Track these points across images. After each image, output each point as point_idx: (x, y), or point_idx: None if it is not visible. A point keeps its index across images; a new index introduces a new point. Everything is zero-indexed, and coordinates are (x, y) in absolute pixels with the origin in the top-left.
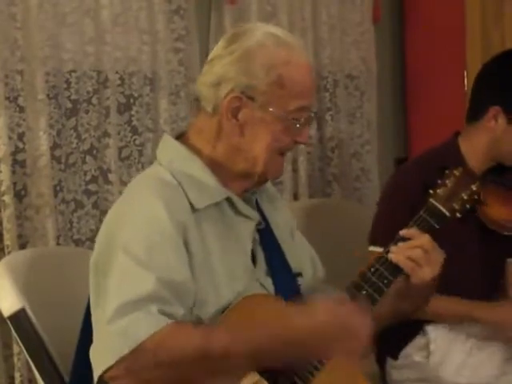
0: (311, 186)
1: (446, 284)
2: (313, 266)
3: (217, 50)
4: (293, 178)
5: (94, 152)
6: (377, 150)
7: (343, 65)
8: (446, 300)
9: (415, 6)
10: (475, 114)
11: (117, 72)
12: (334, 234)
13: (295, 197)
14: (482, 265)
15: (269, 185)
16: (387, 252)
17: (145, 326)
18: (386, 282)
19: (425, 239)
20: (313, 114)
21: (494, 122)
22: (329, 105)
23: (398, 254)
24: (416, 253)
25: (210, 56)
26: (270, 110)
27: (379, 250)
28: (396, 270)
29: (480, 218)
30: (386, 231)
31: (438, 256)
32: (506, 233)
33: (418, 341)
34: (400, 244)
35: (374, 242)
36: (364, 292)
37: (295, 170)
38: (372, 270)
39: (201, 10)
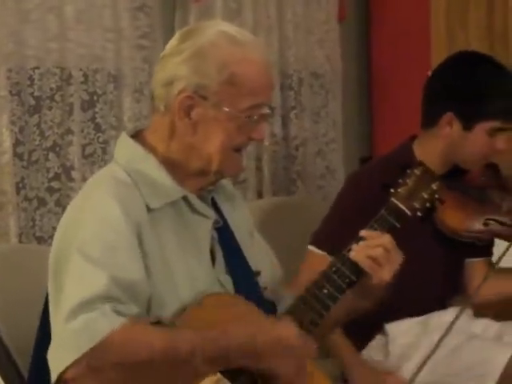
0: (275, 185)
1: (406, 286)
2: (271, 266)
3: (169, 47)
4: (257, 176)
5: (57, 149)
6: (342, 149)
7: (308, 63)
8: None
9: (381, 5)
10: (429, 120)
11: (80, 69)
12: (298, 232)
13: (259, 195)
14: (442, 266)
15: (227, 184)
16: (348, 251)
17: (101, 324)
18: (347, 280)
19: (386, 239)
20: (269, 110)
21: (448, 128)
22: (293, 103)
23: (358, 252)
24: (377, 252)
25: (163, 54)
26: (223, 108)
27: (319, 252)
28: (357, 268)
29: (437, 224)
30: (331, 234)
31: (398, 256)
32: (461, 240)
33: (378, 340)
34: (361, 243)
35: (315, 243)
36: (325, 291)
37: (259, 169)
38: (333, 268)
39: (165, 7)
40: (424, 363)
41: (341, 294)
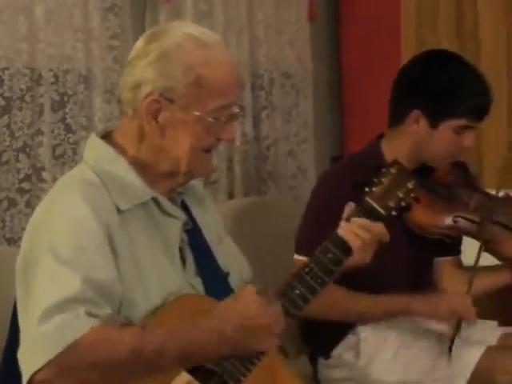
0: (246, 185)
1: (374, 285)
2: (239, 267)
3: (135, 50)
4: (228, 177)
5: (28, 150)
6: (313, 149)
7: (279, 63)
8: (376, 297)
9: (351, 5)
10: (397, 118)
11: (51, 69)
12: (270, 233)
13: (230, 196)
14: (410, 265)
15: (198, 186)
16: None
17: (73, 327)
18: (338, 262)
19: (378, 225)
20: (238, 110)
21: (415, 125)
22: (264, 103)
23: (345, 229)
24: (365, 234)
25: (130, 56)
26: (191, 111)
27: (302, 258)
28: (347, 249)
29: (406, 223)
30: (310, 237)
31: (375, 245)
32: (429, 237)
33: (349, 340)
34: (352, 219)
35: (298, 251)
36: (297, 292)
37: (230, 169)
38: (324, 250)
39: (136, 7)
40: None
41: (313, 294)
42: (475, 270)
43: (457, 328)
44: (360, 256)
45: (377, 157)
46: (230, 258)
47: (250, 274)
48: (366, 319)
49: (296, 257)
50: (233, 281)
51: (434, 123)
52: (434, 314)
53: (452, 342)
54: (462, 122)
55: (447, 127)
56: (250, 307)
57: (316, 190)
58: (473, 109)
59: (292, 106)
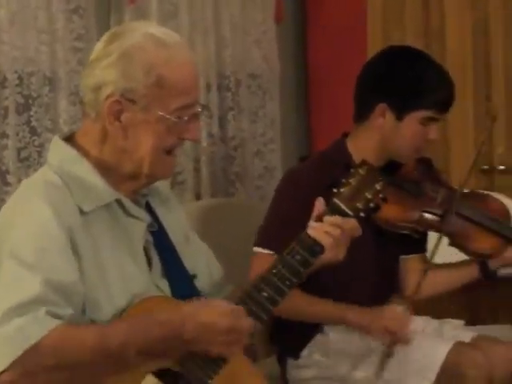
0: (214, 186)
1: (341, 283)
2: (209, 267)
3: (96, 51)
4: (195, 178)
5: None
6: (280, 149)
7: (245, 64)
8: (322, 301)
9: (317, 6)
10: (362, 113)
11: (15, 72)
12: (238, 234)
13: (197, 196)
14: (376, 263)
15: (163, 187)
16: (306, 231)
17: (36, 328)
18: (306, 264)
19: (352, 222)
20: (200, 110)
21: (381, 119)
22: (231, 104)
23: (316, 229)
24: (336, 231)
25: (91, 57)
26: (152, 111)
27: (267, 251)
28: (316, 250)
29: (372, 218)
30: (276, 233)
31: (348, 242)
32: (398, 231)
33: (318, 340)
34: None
35: (261, 244)
36: (265, 294)
37: (197, 170)
38: (273, 271)
39: (100, 9)
40: None
41: (281, 296)
42: (429, 264)
43: (389, 349)
44: (333, 253)
45: (343, 155)
46: (199, 258)
47: (221, 273)
48: (318, 321)
49: (257, 250)
50: (202, 281)
51: (400, 115)
52: (368, 330)
53: (382, 362)
54: (428, 113)
55: (413, 119)
56: (214, 310)
57: (281, 186)
58: (437, 100)
59: (259, 106)
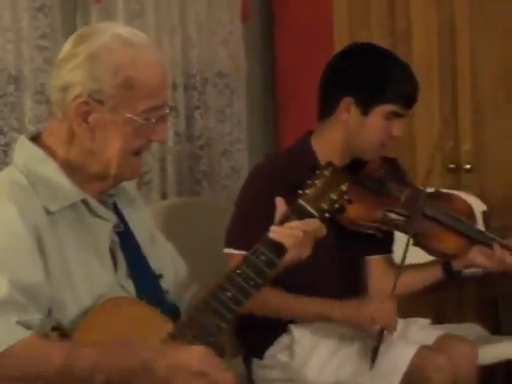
0: (180, 185)
1: (305, 284)
2: (174, 267)
3: (64, 52)
4: (161, 177)
5: None
6: (247, 148)
7: (212, 63)
8: (304, 299)
9: (284, 5)
10: (327, 109)
11: None
12: (204, 233)
13: (164, 196)
14: (340, 262)
15: (129, 187)
16: (269, 232)
17: (4, 335)
18: (271, 264)
19: (315, 223)
20: (168, 111)
21: (346, 114)
22: (198, 103)
23: (278, 232)
24: (298, 233)
25: (59, 58)
26: (120, 112)
27: (237, 252)
28: (280, 250)
29: (338, 218)
30: (245, 232)
31: (312, 242)
32: (362, 231)
33: (283, 341)
34: (286, 224)
35: (231, 245)
36: (229, 294)
37: (163, 169)
38: (256, 252)
39: (66, 7)
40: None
41: (245, 297)
42: (402, 266)
43: (379, 338)
44: (296, 252)
45: (307, 154)
46: (165, 258)
47: (186, 272)
48: (298, 320)
49: (229, 251)
50: (168, 281)
51: (365, 110)
52: (354, 322)
53: (375, 352)
54: (392, 108)
55: (378, 114)
56: (191, 352)
57: (246, 184)
58: (402, 95)
59: (225, 105)
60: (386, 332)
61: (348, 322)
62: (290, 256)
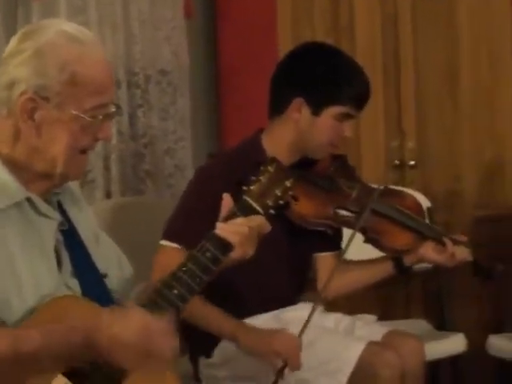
0: (124, 184)
1: (254, 281)
2: (119, 266)
3: (9, 48)
4: (105, 176)
5: None
6: (191, 146)
7: (155, 60)
8: (220, 316)
9: (227, 2)
10: (278, 108)
11: None
12: (148, 232)
13: (108, 195)
14: (290, 260)
15: (74, 186)
16: (215, 229)
17: None
18: (216, 261)
19: (258, 219)
20: (114, 109)
21: (297, 113)
22: (141, 101)
23: (224, 229)
24: (244, 229)
25: (4, 55)
26: (66, 109)
27: (174, 245)
28: (226, 247)
29: (286, 215)
30: (185, 228)
31: (256, 239)
32: (311, 228)
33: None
34: (230, 221)
35: (168, 237)
36: (175, 291)
37: (107, 168)
38: (201, 249)
39: (7, 3)
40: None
41: (191, 294)
42: (341, 259)
43: (279, 373)
44: (241, 250)
45: (257, 151)
46: (110, 257)
47: (131, 271)
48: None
49: (165, 243)
50: (113, 280)
51: (316, 110)
52: (259, 353)
53: None
54: (343, 109)
55: (329, 115)
56: (129, 324)
57: (190, 182)
58: (353, 97)
59: (169, 103)
60: (287, 369)
61: (253, 350)
62: (235, 255)
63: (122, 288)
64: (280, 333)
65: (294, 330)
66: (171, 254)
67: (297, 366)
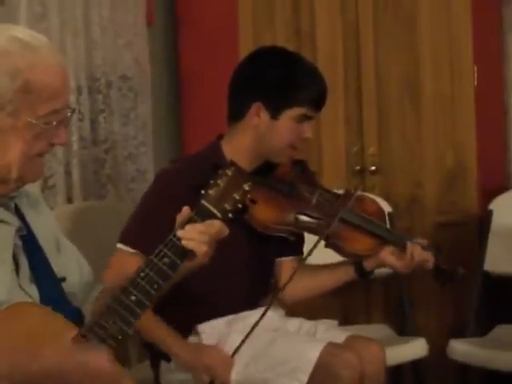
0: (85, 189)
1: (215, 285)
2: (80, 269)
3: None
4: (66, 181)
5: None
6: (152, 151)
7: (116, 66)
8: (163, 331)
9: (188, 8)
10: (237, 113)
11: None
12: (109, 237)
13: (69, 200)
14: (251, 265)
15: (31, 189)
16: (174, 236)
17: None
18: (155, 286)
19: (216, 224)
20: (69, 113)
21: (256, 118)
22: (102, 106)
23: (180, 234)
24: (197, 234)
25: None
26: (20, 117)
27: (129, 249)
28: (184, 252)
29: (247, 220)
30: (143, 232)
31: (213, 242)
32: (273, 234)
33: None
34: (187, 227)
35: (125, 242)
36: (133, 298)
37: (68, 173)
38: (159, 254)
39: None
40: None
41: (149, 300)
42: (302, 261)
43: None
44: (201, 257)
45: (217, 157)
46: (70, 260)
47: (91, 274)
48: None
49: (121, 247)
50: (73, 283)
51: (274, 114)
52: (192, 367)
53: None
54: (301, 110)
55: (288, 117)
56: (98, 354)
57: (150, 186)
58: (310, 97)
59: (130, 108)
60: None
61: (185, 364)
62: (192, 261)
63: (83, 291)
64: (211, 348)
65: (239, 338)
66: (125, 257)
67: (225, 382)
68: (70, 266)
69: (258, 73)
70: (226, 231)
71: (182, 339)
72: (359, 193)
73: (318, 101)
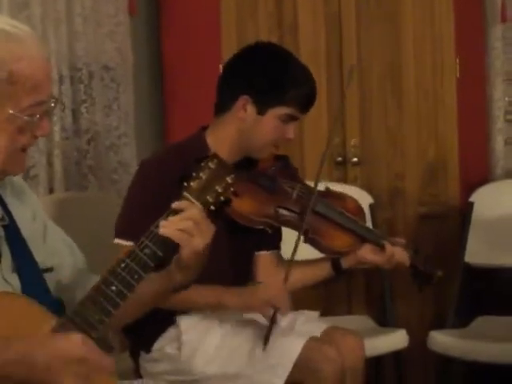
0: (67, 180)
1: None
2: (72, 255)
3: None
4: (48, 172)
5: None
6: (134, 142)
7: (99, 56)
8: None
9: None
10: (224, 104)
11: None
12: (91, 228)
13: (51, 191)
14: (231, 257)
15: (16, 178)
16: (156, 227)
17: None
18: (155, 257)
19: (194, 210)
20: (53, 105)
21: (243, 111)
22: (84, 97)
23: (168, 227)
24: (187, 224)
25: None
26: (3, 109)
27: (126, 243)
28: (166, 244)
29: (228, 213)
30: (134, 223)
31: (209, 226)
32: (251, 226)
33: (170, 333)
34: (170, 218)
35: (120, 236)
36: (113, 288)
37: (50, 164)
38: (122, 265)
39: None
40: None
41: (146, 272)
42: (292, 260)
43: (272, 320)
44: (189, 245)
45: (200, 147)
46: (60, 245)
47: (84, 260)
48: (197, 310)
49: (118, 241)
50: (66, 269)
51: (261, 110)
52: (248, 306)
53: (268, 333)
54: (288, 110)
55: (273, 115)
56: (70, 339)
57: (134, 177)
58: (298, 99)
59: (112, 99)
60: (278, 314)
61: (243, 308)
62: (183, 249)
63: (76, 277)
64: (262, 285)
65: (228, 326)
66: (123, 251)
67: (286, 309)
68: (62, 251)
69: (250, 66)
70: (205, 216)
71: (230, 289)
72: (322, 188)
73: (305, 103)
